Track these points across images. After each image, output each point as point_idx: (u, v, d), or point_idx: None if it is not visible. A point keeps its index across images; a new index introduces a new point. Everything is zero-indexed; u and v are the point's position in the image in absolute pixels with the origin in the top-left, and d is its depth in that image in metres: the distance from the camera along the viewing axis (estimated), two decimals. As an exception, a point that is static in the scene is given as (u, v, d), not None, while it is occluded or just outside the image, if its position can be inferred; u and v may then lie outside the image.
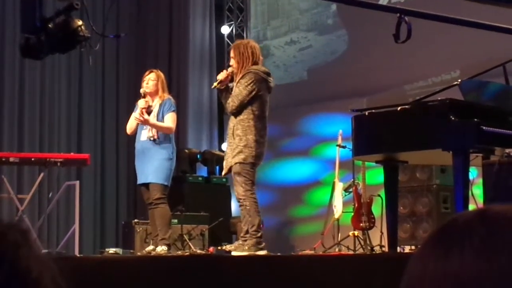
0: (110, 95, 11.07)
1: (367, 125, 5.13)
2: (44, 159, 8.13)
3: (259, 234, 6.07)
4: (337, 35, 10.29)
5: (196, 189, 9.50)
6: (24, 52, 2.72)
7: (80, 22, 2.76)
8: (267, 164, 7.60)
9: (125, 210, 10.91)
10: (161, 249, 6.60)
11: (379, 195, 7.63)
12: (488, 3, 3.76)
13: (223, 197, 9.67)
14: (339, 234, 7.99)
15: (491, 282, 0.80)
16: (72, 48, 2.78)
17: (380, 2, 9.11)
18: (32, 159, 8.19)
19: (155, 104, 6.86)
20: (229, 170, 6.18)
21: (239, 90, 6.12)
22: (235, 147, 6.08)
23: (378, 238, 7.66)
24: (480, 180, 5.59)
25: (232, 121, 6.19)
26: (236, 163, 6.06)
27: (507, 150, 5.16)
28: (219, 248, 7.02)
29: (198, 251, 7.53)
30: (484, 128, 4.55)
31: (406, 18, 2.73)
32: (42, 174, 8.23)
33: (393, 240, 5.34)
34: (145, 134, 6.80)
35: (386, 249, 6.58)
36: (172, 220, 7.19)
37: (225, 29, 11.54)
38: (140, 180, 6.85)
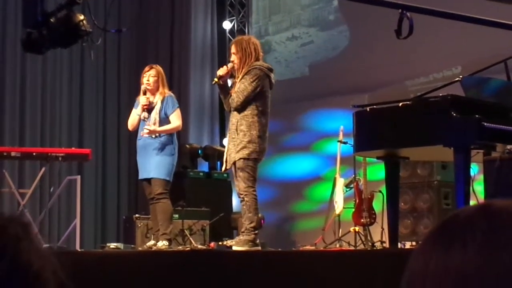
0: (111, 90, 11.07)
1: (369, 121, 5.13)
2: (45, 154, 8.13)
3: (256, 232, 6.09)
4: (339, 31, 10.28)
5: (197, 185, 9.50)
6: (26, 46, 2.72)
7: (82, 17, 2.76)
8: (268, 159, 7.59)
9: (126, 205, 10.91)
10: (162, 244, 6.61)
11: (380, 191, 7.63)
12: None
13: (224, 193, 9.67)
14: (340, 230, 7.99)
15: (493, 277, 0.80)
16: (74, 42, 2.78)
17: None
18: (34, 153, 8.20)
19: (157, 100, 6.86)
20: (231, 165, 6.19)
21: (245, 86, 6.12)
22: (239, 142, 6.09)
23: (379, 234, 7.67)
24: (481, 176, 5.60)
25: (235, 117, 6.19)
26: (240, 159, 6.07)
27: (508, 147, 5.16)
28: (220, 243, 7.02)
29: (199, 246, 7.53)
30: (485, 124, 4.55)
31: (408, 14, 2.73)
32: (43, 169, 8.24)
33: (394, 236, 5.35)
34: (147, 130, 6.81)
35: (387, 245, 6.59)
36: (173, 215, 7.19)
37: (227, 25, 11.53)
38: (142, 175, 6.86)
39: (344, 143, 8.02)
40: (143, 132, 6.79)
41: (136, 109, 6.95)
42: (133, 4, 11.33)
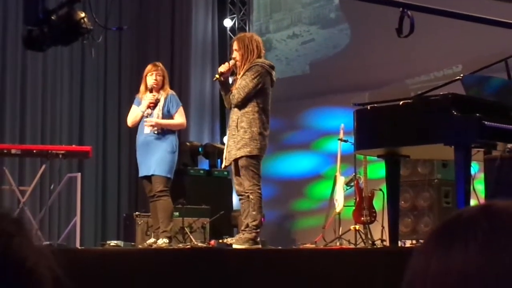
0: (112, 88, 11.07)
1: (369, 119, 5.13)
2: (46, 151, 8.13)
3: (258, 230, 6.09)
4: (340, 29, 10.28)
5: (198, 182, 9.50)
6: (26, 44, 2.72)
7: (83, 14, 2.75)
8: (269, 157, 7.58)
9: (126, 202, 10.91)
10: (162, 241, 6.61)
11: (380, 189, 7.63)
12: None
13: (224, 190, 9.67)
14: (340, 228, 8.00)
15: (494, 277, 0.80)
16: (74, 40, 2.78)
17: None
18: (34, 151, 8.20)
19: (160, 97, 6.89)
20: (231, 162, 6.18)
21: (246, 83, 6.12)
22: (239, 139, 6.08)
23: (379, 232, 7.67)
24: (482, 175, 5.60)
25: (236, 114, 6.19)
26: (242, 157, 6.06)
27: (509, 145, 5.16)
28: (220, 241, 7.02)
29: (199, 244, 7.54)
30: (486, 123, 4.55)
31: (409, 12, 2.73)
32: (43, 166, 8.24)
33: (394, 234, 5.35)
34: (148, 128, 6.82)
35: (387, 243, 6.59)
36: (174, 213, 7.20)
37: (228, 22, 11.53)
38: (142, 172, 6.86)
39: (345, 141, 8.02)
40: (147, 123, 6.80)
41: (136, 106, 6.96)
42: (133, 2, 11.33)
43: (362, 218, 7.77)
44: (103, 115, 10.94)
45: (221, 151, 9.01)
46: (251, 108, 6.12)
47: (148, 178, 6.81)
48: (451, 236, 0.84)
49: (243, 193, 6.14)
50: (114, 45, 11.04)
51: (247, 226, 6.07)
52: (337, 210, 8.05)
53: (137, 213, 8.41)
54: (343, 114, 8.03)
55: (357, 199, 7.89)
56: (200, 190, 9.31)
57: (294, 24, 10.79)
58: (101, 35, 3.18)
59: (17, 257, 0.90)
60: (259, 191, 6.10)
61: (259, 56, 6.25)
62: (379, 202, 7.69)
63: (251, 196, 6.06)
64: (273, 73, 6.29)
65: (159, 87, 6.92)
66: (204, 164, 10.26)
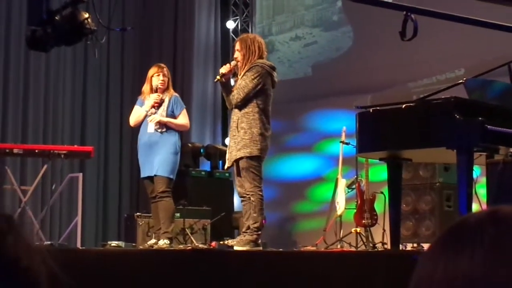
0: (114, 88, 11.07)
1: (371, 122, 5.13)
2: (47, 151, 8.13)
3: (259, 232, 6.08)
4: (342, 32, 10.28)
5: (199, 184, 9.50)
6: (30, 44, 2.72)
7: (86, 15, 2.76)
8: (270, 159, 7.58)
9: (127, 203, 10.92)
10: (163, 242, 6.61)
11: (382, 192, 7.63)
12: (492, 2, 3.75)
13: (225, 192, 9.67)
14: (341, 231, 7.99)
15: (501, 283, 0.80)
16: (78, 40, 2.78)
17: (386, -1, 9.08)
18: (36, 150, 8.20)
19: (165, 98, 6.91)
20: (232, 163, 6.18)
21: (245, 83, 6.12)
22: (239, 140, 6.08)
23: (380, 235, 7.67)
24: (484, 179, 5.59)
25: (236, 114, 6.19)
26: (242, 158, 6.06)
27: (511, 149, 5.15)
28: (221, 242, 7.02)
29: (200, 246, 7.53)
30: (488, 127, 4.55)
31: (413, 16, 2.73)
32: (45, 166, 8.24)
33: (395, 237, 5.34)
34: (152, 126, 6.82)
35: (388, 246, 6.59)
36: (175, 214, 7.20)
37: (230, 24, 11.53)
38: (145, 173, 6.86)
39: (347, 143, 8.02)
40: (150, 119, 6.80)
41: (139, 107, 6.96)
42: (137, 3, 11.34)
43: (363, 221, 7.77)
44: (105, 115, 10.94)
45: (222, 153, 9.01)
46: (251, 108, 6.12)
47: (150, 178, 6.81)
48: (458, 242, 0.84)
49: (244, 195, 6.13)
50: (117, 46, 11.05)
51: (248, 228, 6.06)
52: (338, 212, 8.05)
53: (138, 213, 8.41)
54: (345, 116, 8.04)
55: (359, 202, 7.89)
56: (202, 192, 9.31)
57: (296, 26, 10.79)
58: (105, 36, 3.18)
59: (12, 255, 0.89)
60: (260, 193, 6.09)
61: (260, 57, 6.25)
62: (381, 205, 7.69)
63: (252, 198, 6.05)
64: (274, 74, 6.29)
65: (165, 88, 6.94)
66: (205, 165, 10.26)
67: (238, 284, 4.46)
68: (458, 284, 0.81)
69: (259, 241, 6.13)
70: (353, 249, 7.49)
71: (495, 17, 3.12)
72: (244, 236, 6.06)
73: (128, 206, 10.78)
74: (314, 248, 7.72)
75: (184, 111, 6.97)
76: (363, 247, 7.55)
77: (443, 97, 4.83)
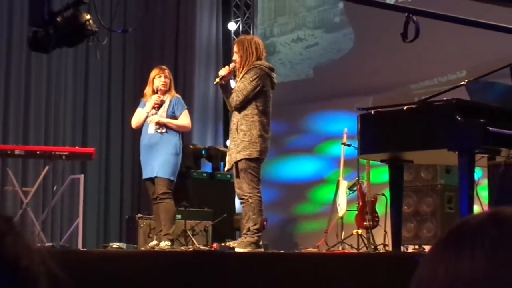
0: (116, 90, 11.08)
1: (373, 124, 5.12)
2: (49, 153, 8.14)
3: (259, 234, 6.08)
4: (344, 33, 10.28)
5: (200, 185, 9.50)
6: (32, 45, 2.72)
7: (88, 16, 2.76)
8: (271, 161, 7.59)
9: (129, 204, 10.92)
10: (165, 244, 6.61)
11: (383, 194, 7.63)
12: (493, 3, 3.75)
13: (227, 194, 9.65)
14: (343, 233, 7.99)
15: (502, 284, 0.79)
16: (80, 42, 2.78)
17: (387, 1, 9.09)
18: (37, 152, 8.20)
19: (166, 100, 6.91)
20: (232, 165, 6.18)
21: (244, 85, 6.12)
22: (239, 142, 6.08)
23: (382, 237, 7.66)
24: (486, 181, 5.59)
25: (236, 116, 6.19)
26: (241, 159, 6.06)
27: (512, 151, 5.14)
28: (222, 244, 7.01)
29: (202, 247, 7.53)
30: (490, 128, 4.54)
31: (414, 18, 2.73)
32: (47, 168, 8.25)
33: (397, 239, 5.34)
34: (152, 127, 6.83)
35: (389, 248, 6.58)
36: (176, 216, 7.20)
37: (232, 26, 11.54)
38: (146, 174, 6.86)
39: (348, 145, 8.02)
40: (149, 119, 6.81)
41: (142, 108, 6.97)
42: (138, 5, 11.35)
43: (365, 223, 7.76)
44: (107, 116, 10.95)
45: (224, 154, 9.00)
46: (250, 110, 6.12)
47: (152, 180, 6.82)
48: (458, 244, 0.84)
49: (243, 197, 6.14)
50: (119, 47, 11.06)
51: (249, 230, 6.06)
52: (340, 214, 8.04)
53: (139, 215, 8.41)
54: (347, 118, 8.04)
55: (360, 204, 7.89)
56: (203, 193, 9.31)
57: (298, 28, 10.79)
58: (106, 37, 3.18)
59: (12, 255, 0.89)
60: (258, 194, 6.09)
61: (258, 58, 6.24)
62: (382, 206, 7.68)
63: (250, 200, 6.05)
64: (273, 75, 6.28)
65: (166, 89, 6.94)
66: (207, 167, 10.26)
67: (240, 286, 4.46)
68: (459, 285, 0.81)
69: (260, 243, 6.12)
70: (354, 251, 7.49)
71: (496, 19, 3.12)
72: (245, 238, 6.06)
73: (129, 208, 10.78)
74: (315, 250, 7.71)
75: (186, 111, 6.97)
76: (364, 249, 7.55)
77: (444, 98, 4.83)
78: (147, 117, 6.88)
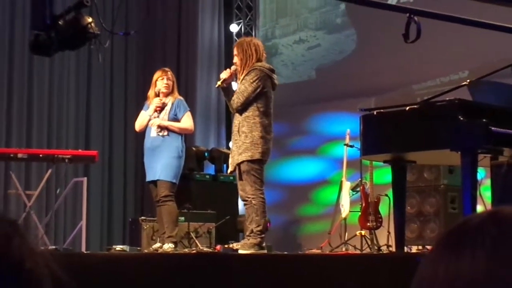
0: (118, 92, 11.09)
1: (375, 125, 5.12)
2: (52, 156, 8.14)
3: (262, 235, 6.08)
4: (346, 35, 10.28)
5: (203, 187, 9.49)
6: (34, 48, 2.72)
7: (90, 19, 2.76)
8: (274, 162, 7.59)
9: (132, 207, 10.92)
10: (168, 246, 6.62)
11: (386, 195, 7.62)
12: (495, 3, 3.75)
13: (230, 195, 9.66)
14: (346, 234, 7.98)
15: (502, 284, 0.80)
16: (82, 45, 2.79)
17: (389, 2, 9.10)
18: (40, 155, 8.21)
19: (168, 102, 6.92)
20: (235, 167, 6.19)
21: (245, 87, 6.13)
22: (241, 144, 6.09)
23: (385, 238, 7.66)
24: (489, 181, 5.58)
25: (237, 118, 6.20)
26: (243, 161, 6.06)
27: (515, 151, 5.14)
28: (225, 246, 7.02)
29: (205, 249, 7.53)
30: (492, 128, 4.54)
31: (416, 18, 2.73)
32: (50, 171, 8.25)
33: (400, 240, 5.34)
34: (154, 130, 6.83)
35: (393, 249, 6.58)
36: (179, 218, 7.20)
37: (234, 28, 11.54)
38: (149, 177, 6.87)
39: (351, 146, 8.01)
40: (151, 123, 6.82)
41: (145, 112, 6.98)
42: (140, 7, 11.36)
43: (368, 224, 7.76)
44: (109, 119, 10.96)
45: (227, 156, 9.01)
46: (251, 112, 6.13)
47: (155, 182, 6.83)
48: (459, 243, 0.84)
49: (246, 198, 6.14)
50: (121, 50, 11.07)
51: (252, 231, 6.06)
52: (343, 215, 8.04)
53: (143, 217, 8.41)
54: (349, 119, 8.03)
55: (363, 205, 7.88)
56: (206, 195, 9.31)
57: (300, 29, 10.79)
58: (108, 40, 3.19)
59: (16, 258, 0.89)
60: (262, 196, 6.09)
61: (258, 60, 6.25)
62: (385, 207, 7.68)
63: (253, 202, 6.05)
64: (274, 76, 6.29)
65: (169, 91, 6.95)
66: (210, 169, 10.26)
67: (243, 288, 4.46)
68: (459, 285, 0.81)
69: (264, 244, 6.12)
70: (358, 251, 7.48)
71: (499, 19, 3.12)
72: (248, 239, 6.06)
73: (132, 210, 10.79)
74: (319, 251, 7.71)
75: (188, 113, 6.97)
76: (368, 250, 7.55)
77: (447, 99, 4.83)
78: (149, 120, 6.89)
